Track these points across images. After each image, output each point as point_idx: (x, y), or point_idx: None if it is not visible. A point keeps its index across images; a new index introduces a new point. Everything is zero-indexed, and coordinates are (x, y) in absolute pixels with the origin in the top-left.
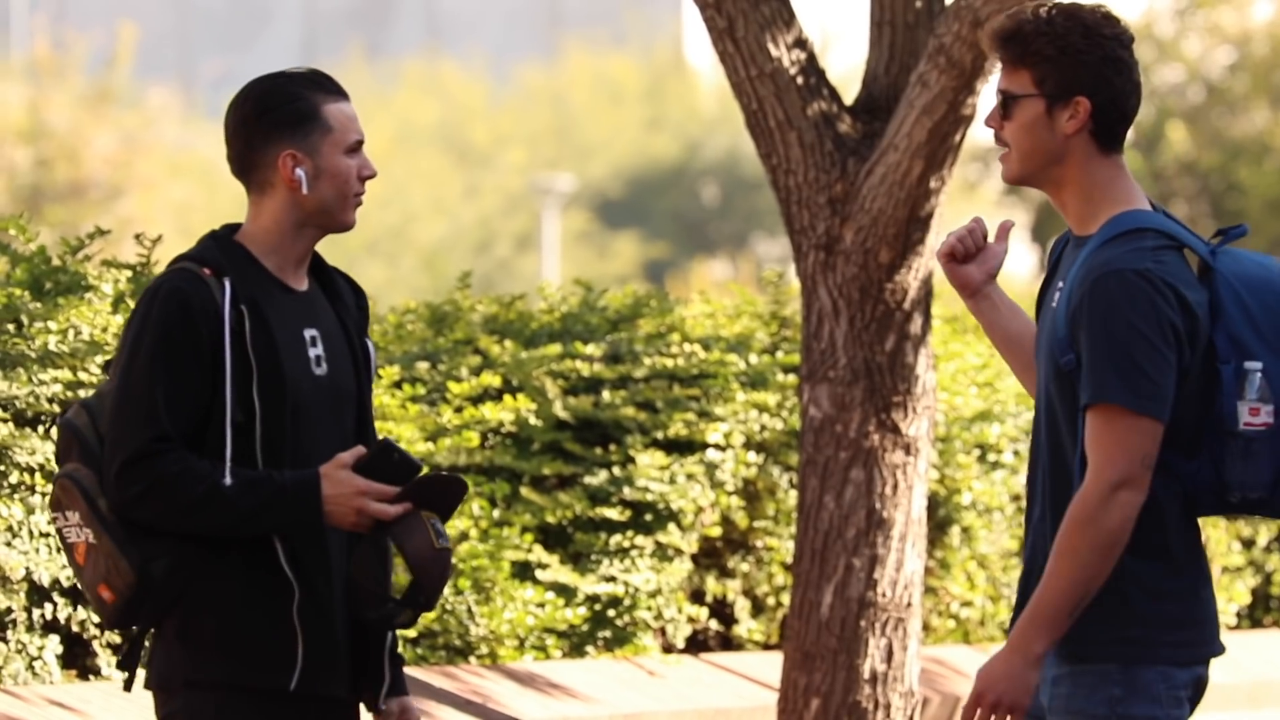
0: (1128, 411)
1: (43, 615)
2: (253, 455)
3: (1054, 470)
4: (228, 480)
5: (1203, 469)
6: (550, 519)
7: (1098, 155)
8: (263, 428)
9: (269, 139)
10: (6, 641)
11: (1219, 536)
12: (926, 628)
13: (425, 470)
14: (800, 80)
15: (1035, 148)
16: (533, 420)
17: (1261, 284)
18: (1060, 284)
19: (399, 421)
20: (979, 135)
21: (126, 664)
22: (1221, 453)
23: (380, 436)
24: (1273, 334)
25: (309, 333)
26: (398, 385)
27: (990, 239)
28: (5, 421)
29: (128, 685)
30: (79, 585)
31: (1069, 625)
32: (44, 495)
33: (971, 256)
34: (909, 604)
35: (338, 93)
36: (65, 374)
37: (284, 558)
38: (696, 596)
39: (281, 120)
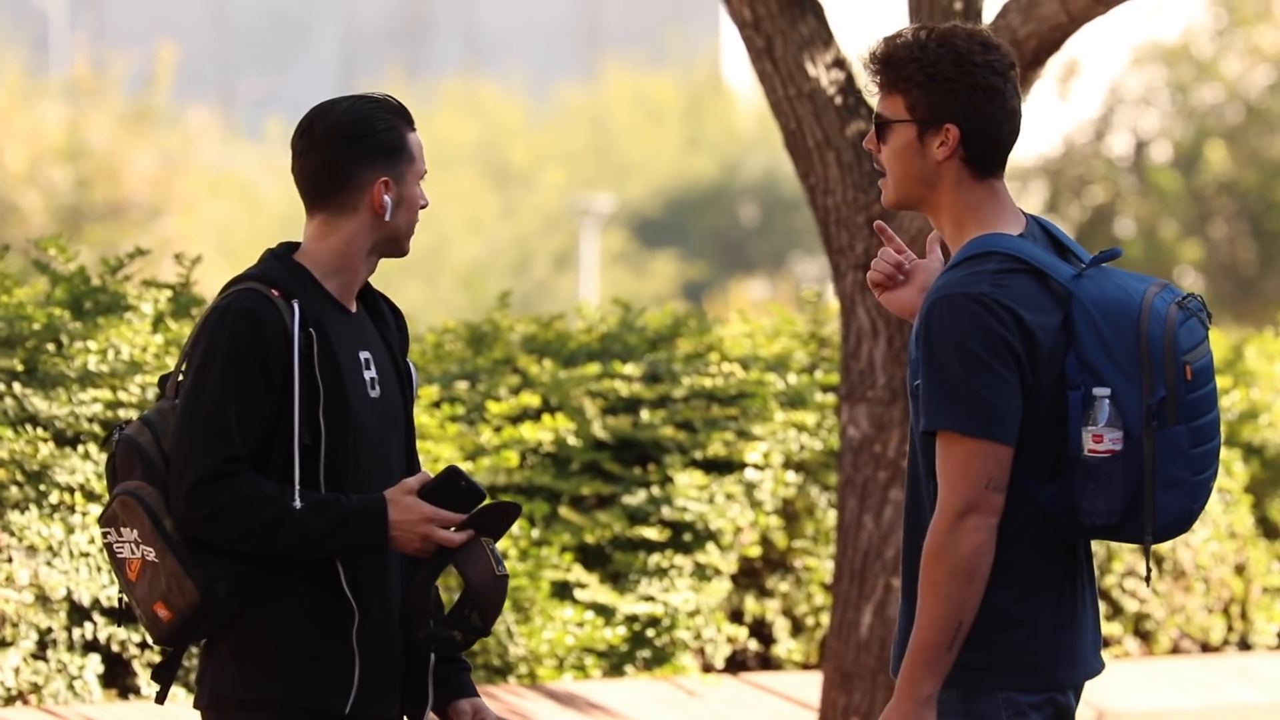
0: (962, 436)
1: (83, 635)
2: (317, 477)
3: (910, 498)
4: (297, 503)
5: (1059, 494)
6: (589, 539)
7: (969, 180)
8: (327, 450)
9: (363, 164)
10: (47, 661)
11: (1259, 557)
12: None
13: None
14: (839, 100)
15: (908, 173)
16: (571, 440)
17: (1117, 308)
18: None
19: (438, 441)
20: (1015, 154)
21: (161, 676)
22: (1071, 479)
23: (444, 463)
24: (1126, 359)
25: (364, 355)
26: (436, 405)
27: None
28: (45, 441)
29: (160, 698)
30: (128, 602)
31: (951, 658)
32: (84, 515)
33: (905, 280)
34: None
35: (412, 123)
36: (105, 394)
37: (345, 580)
38: (735, 616)
39: (378, 147)
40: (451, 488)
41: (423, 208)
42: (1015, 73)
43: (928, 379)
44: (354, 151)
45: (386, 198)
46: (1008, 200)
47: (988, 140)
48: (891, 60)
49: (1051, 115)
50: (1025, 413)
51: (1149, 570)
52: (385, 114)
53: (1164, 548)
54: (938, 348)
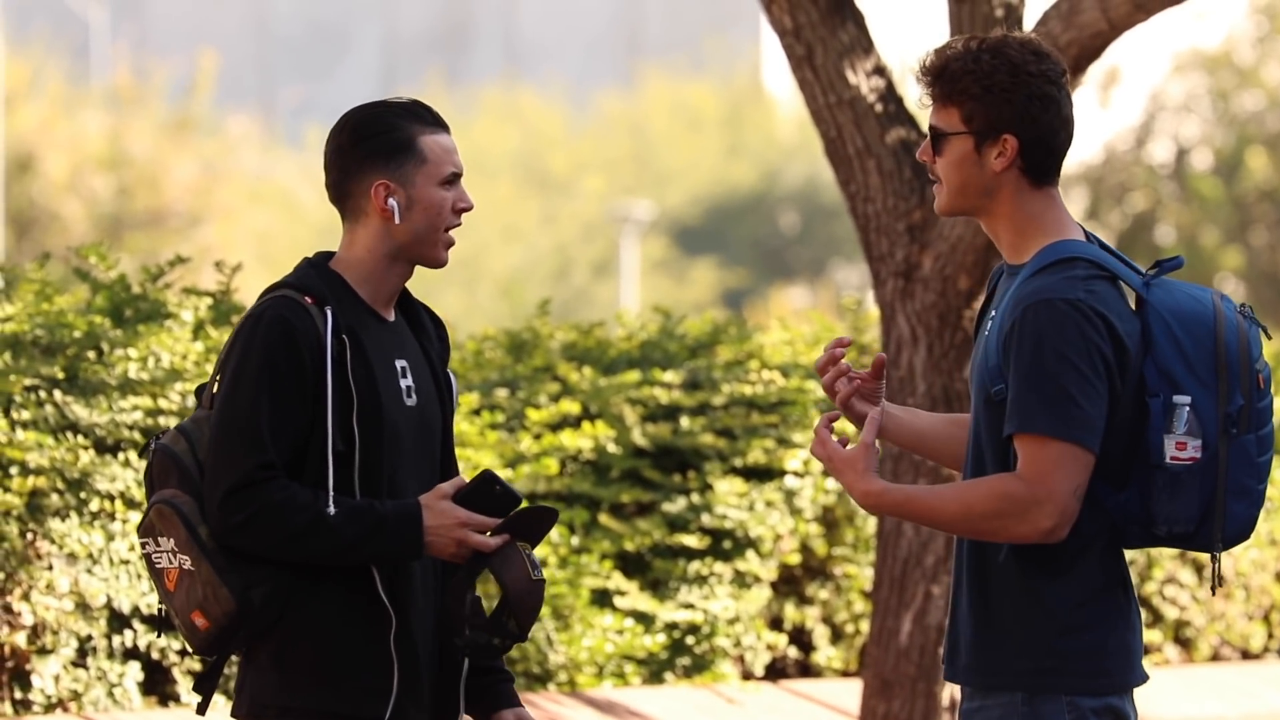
0: (1056, 441)
1: (123, 642)
2: (351, 484)
3: None
4: (331, 509)
5: (1130, 501)
6: (629, 546)
7: (1028, 189)
8: (361, 457)
9: (363, 167)
10: (87, 668)
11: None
12: None
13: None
14: (879, 108)
15: (965, 183)
16: (611, 447)
17: (1193, 317)
18: (993, 313)
19: (478, 449)
20: None
21: (203, 687)
22: (1148, 486)
23: (481, 469)
24: (1203, 368)
25: (400, 363)
26: (476, 412)
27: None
28: (86, 449)
29: (202, 708)
30: (167, 611)
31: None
32: (124, 523)
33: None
34: None
35: (436, 124)
36: (145, 401)
37: (381, 586)
38: (775, 624)
39: (377, 149)
40: (486, 492)
41: (464, 210)
42: (1067, 80)
43: (1022, 382)
44: (356, 155)
45: (392, 201)
46: (1065, 208)
47: (1045, 149)
48: (945, 72)
49: (1092, 122)
50: (1106, 420)
51: (1215, 578)
52: (390, 116)
53: (1204, 556)
54: (1035, 351)
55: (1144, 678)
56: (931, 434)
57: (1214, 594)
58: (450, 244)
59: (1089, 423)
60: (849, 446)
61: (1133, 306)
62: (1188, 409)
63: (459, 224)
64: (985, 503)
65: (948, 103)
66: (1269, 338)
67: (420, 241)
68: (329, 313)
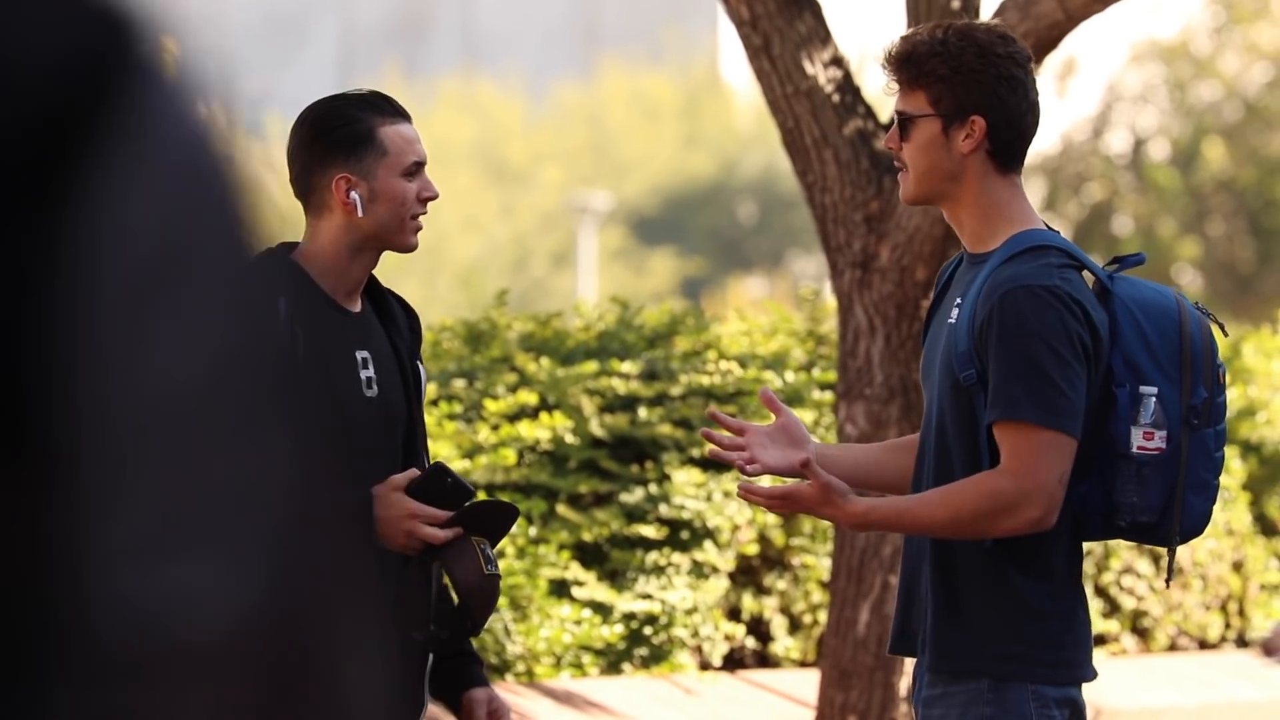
0: (1041, 429)
1: None
2: None
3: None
4: None
5: (1093, 491)
6: (586, 537)
7: (994, 174)
8: None
9: (324, 162)
10: None
11: (1257, 554)
12: None
13: (480, 495)
14: (836, 98)
15: (932, 167)
16: (569, 438)
17: (1158, 310)
18: (958, 301)
19: (435, 439)
20: None
21: None
22: (1113, 476)
23: (435, 460)
24: (1167, 360)
25: (361, 354)
26: (434, 403)
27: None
28: None
29: None
30: None
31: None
32: None
33: (767, 442)
34: None
35: (397, 114)
36: None
37: None
38: (733, 614)
39: (336, 143)
40: (438, 484)
41: (429, 199)
42: (1033, 66)
43: (1005, 369)
44: (316, 150)
45: (353, 194)
46: (1028, 199)
47: (1013, 132)
48: (912, 56)
49: (1049, 113)
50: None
51: (1170, 571)
52: (349, 108)
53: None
54: (1017, 339)
55: (1095, 674)
56: (870, 464)
57: (1168, 586)
58: (418, 229)
59: (1073, 410)
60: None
61: (1101, 298)
62: (1154, 399)
63: (425, 212)
64: (974, 503)
65: (915, 86)
66: (1225, 334)
67: (387, 231)
68: (282, 303)
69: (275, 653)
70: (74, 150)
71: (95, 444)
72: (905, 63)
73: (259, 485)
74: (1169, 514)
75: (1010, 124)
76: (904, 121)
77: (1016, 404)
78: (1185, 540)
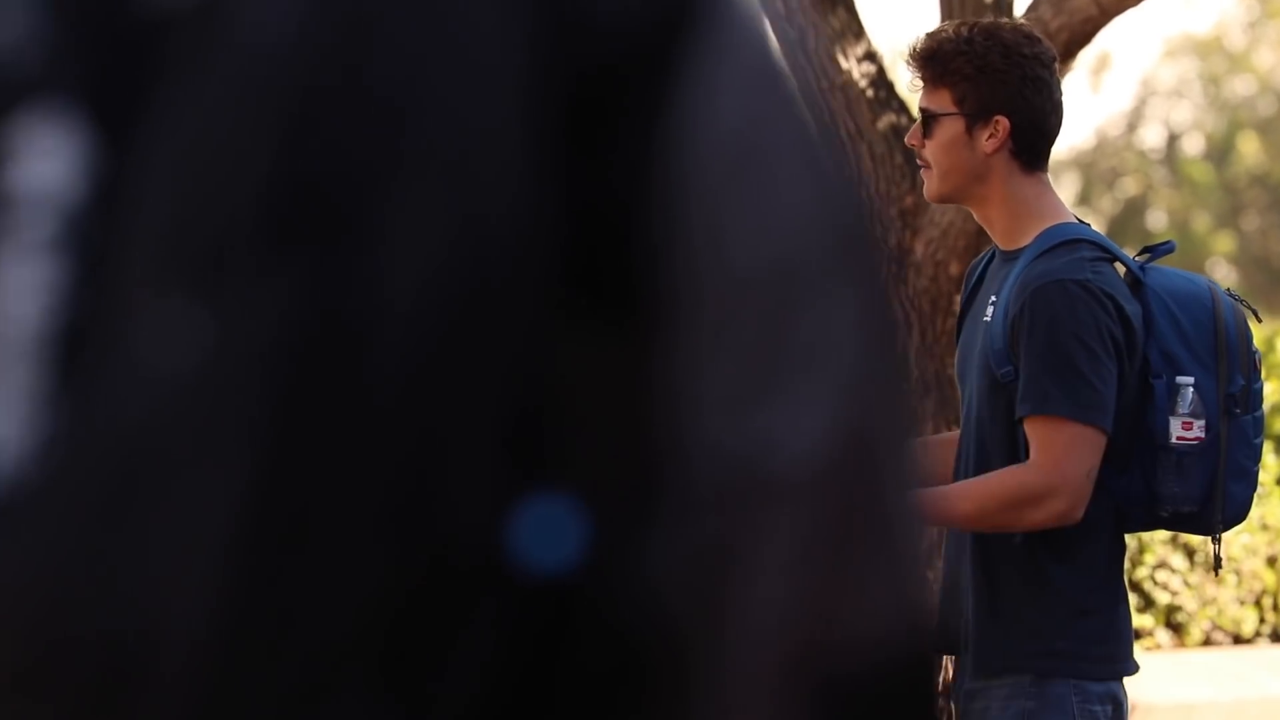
0: (1071, 423)
1: None
2: None
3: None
4: None
5: (1133, 483)
6: None
7: (1019, 173)
8: None
9: None
10: None
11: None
12: None
13: None
14: (870, 93)
15: (955, 166)
16: None
17: (1191, 300)
18: (992, 298)
19: None
20: None
21: None
22: (1153, 467)
23: None
24: (1203, 350)
25: None
26: None
27: None
28: None
29: None
30: None
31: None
32: None
33: None
34: None
35: None
36: None
37: None
38: None
39: None
40: None
41: None
42: (1057, 66)
43: (1036, 364)
44: None
45: None
46: (1056, 193)
47: (1036, 132)
48: (937, 54)
49: (1083, 108)
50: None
51: (1218, 560)
52: None
53: (1196, 540)
54: (1048, 334)
55: (1136, 667)
56: None
57: (1216, 575)
58: None
59: (1103, 404)
60: None
61: (1134, 289)
62: (1192, 389)
63: None
64: (1001, 496)
65: (939, 84)
66: (1259, 321)
67: None
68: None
69: (845, 491)
70: (673, 52)
71: (692, 308)
72: (930, 60)
73: (834, 342)
74: (1211, 503)
75: (1034, 125)
76: (927, 119)
77: (1047, 398)
78: (1228, 528)
